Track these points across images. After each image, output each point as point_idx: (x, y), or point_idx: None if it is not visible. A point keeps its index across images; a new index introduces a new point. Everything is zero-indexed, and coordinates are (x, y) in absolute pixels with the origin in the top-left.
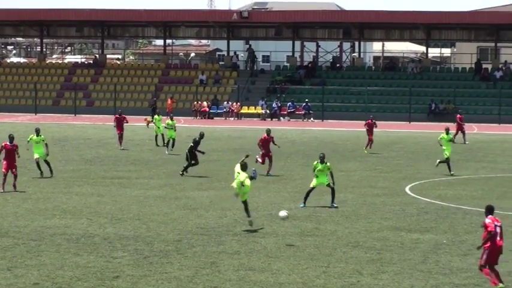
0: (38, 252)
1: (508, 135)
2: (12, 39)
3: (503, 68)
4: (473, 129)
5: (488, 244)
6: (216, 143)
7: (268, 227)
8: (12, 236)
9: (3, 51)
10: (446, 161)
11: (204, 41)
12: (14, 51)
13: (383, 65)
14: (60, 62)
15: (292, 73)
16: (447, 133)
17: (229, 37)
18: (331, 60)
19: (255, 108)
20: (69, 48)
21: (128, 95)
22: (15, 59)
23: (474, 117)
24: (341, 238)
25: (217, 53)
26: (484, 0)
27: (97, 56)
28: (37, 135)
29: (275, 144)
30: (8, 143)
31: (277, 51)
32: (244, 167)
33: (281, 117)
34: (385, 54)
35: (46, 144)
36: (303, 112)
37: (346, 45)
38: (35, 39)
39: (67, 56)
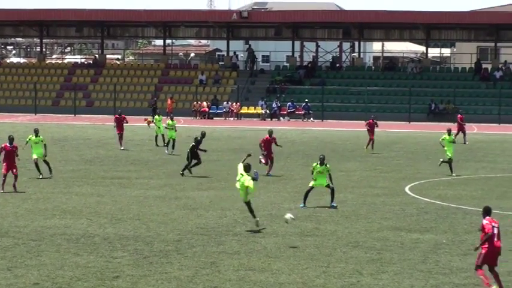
0: (38, 252)
1: (508, 135)
2: (12, 39)
3: (503, 68)
4: (473, 129)
5: (486, 245)
6: (216, 143)
7: (268, 227)
8: (12, 236)
9: (3, 52)
10: (449, 161)
11: (203, 41)
12: (14, 52)
13: (383, 65)
14: (60, 62)
15: (292, 73)
16: (449, 134)
17: (229, 37)
18: (330, 60)
19: (255, 108)
20: (68, 48)
21: (127, 95)
22: (15, 59)
23: (474, 117)
24: (341, 238)
25: (217, 53)
26: (484, 0)
27: (97, 56)
28: (36, 136)
29: (277, 145)
30: (7, 144)
31: (276, 51)
32: (247, 169)
33: (281, 117)
34: (384, 54)
35: (45, 145)
36: (302, 112)
37: (346, 45)
38: (35, 39)
39: (67, 56)
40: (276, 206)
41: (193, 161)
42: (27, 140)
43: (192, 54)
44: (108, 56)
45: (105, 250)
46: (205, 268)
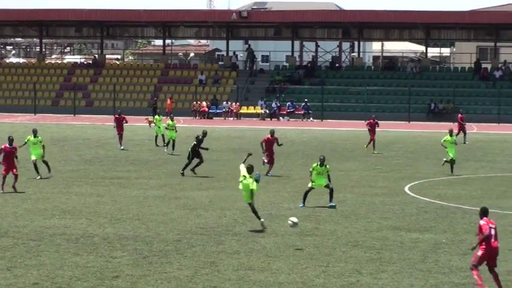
0: (38, 252)
1: (508, 134)
2: (12, 39)
3: (503, 68)
4: (472, 128)
5: (483, 246)
6: (216, 143)
7: (267, 226)
8: (12, 236)
9: (3, 52)
10: (451, 162)
11: (203, 41)
12: (13, 52)
13: (382, 65)
14: (60, 62)
15: (291, 73)
16: (451, 135)
17: (229, 37)
18: (330, 60)
19: (255, 108)
20: (68, 48)
21: (127, 95)
22: (14, 59)
23: (473, 117)
24: (340, 238)
25: (217, 53)
26: None
27: (96, 56)
28: (34, 137)
29: (279, 145)
30: (7, 145)
31: (276, 51)
32: (250, 170)
33: (280, 117)
34: (384, 54)
35: (43, 146)
36: (302, 112)
37: (346, 45)
38: (34, 39)
39: (66, 56)
40: (275, 206)
41: (195, 160)
42: (26, 140)
43: (192, 54)
44: (107, 56)
45: (104, 250)
46: (205, 268)
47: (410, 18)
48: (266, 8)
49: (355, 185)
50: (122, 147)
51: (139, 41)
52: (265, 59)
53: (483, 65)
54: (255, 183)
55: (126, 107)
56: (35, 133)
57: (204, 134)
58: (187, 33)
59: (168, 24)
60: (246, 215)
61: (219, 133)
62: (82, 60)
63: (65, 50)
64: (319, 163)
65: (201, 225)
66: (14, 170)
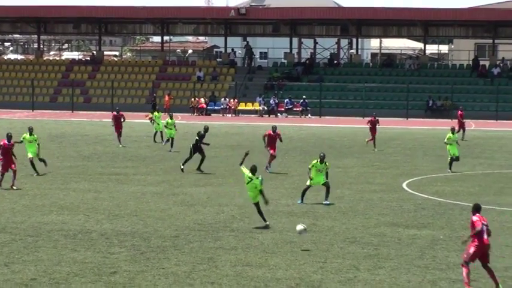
0: (35, 248)
1: (505, 131)
2: (10, 35)
3: (501, 65)
4: (470, 125)
5: (475, 242)
6: (214, 140)
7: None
8: (10, 232)
9: (1, 48)
10: (455, 159)
11: (201, 38)
12: (12, 48)
13: (380, 62)
14: (58, 58)
15: (289, 70)
16: (453, 133)
17: (227, 34)
18: (328, 56)
19: (253, 105)
20: (66, 44)
21: (125, 92)
22: (12, 56)
23: (472, 114)
24: (338, 234)
25: (215, 49)
26: None
27: (94, 52)
28: (30, 135)
29: (281, 141)
30: (6, 141)
31: (274, 47)
32: (254, 170)
33: (279, 114)
34: (382, 51)
35: (38, 144)
36: (300, 109)
37: (344, 42)
38: (32, 35)
39: (64, 53)
40: (273, 202)
41: (198, 156)
42: (22, 138)
43: (190, 51)
44: (105, 53)
45: (102, 246)
46: (203, 264)
47: (409, 15)
48: (264, 5)
49: (353, 181)
50: (120, 145)
51: (138, 37)
52: (264, 55)
53: (481, 62)
54: (260, 183)
55: (124, 103)
56: (30, 131)
57: (206, 129)
58: (185, 29)
59: (166, 20)
60: (243, 211)
61: (217, 130)
62: (80, 56)
63: (63, 47)
64: (319, 160)
65: (198, 221)
66: (13, 166)
